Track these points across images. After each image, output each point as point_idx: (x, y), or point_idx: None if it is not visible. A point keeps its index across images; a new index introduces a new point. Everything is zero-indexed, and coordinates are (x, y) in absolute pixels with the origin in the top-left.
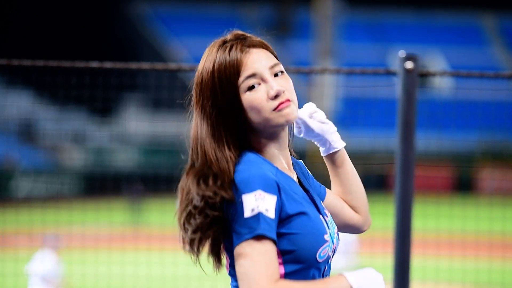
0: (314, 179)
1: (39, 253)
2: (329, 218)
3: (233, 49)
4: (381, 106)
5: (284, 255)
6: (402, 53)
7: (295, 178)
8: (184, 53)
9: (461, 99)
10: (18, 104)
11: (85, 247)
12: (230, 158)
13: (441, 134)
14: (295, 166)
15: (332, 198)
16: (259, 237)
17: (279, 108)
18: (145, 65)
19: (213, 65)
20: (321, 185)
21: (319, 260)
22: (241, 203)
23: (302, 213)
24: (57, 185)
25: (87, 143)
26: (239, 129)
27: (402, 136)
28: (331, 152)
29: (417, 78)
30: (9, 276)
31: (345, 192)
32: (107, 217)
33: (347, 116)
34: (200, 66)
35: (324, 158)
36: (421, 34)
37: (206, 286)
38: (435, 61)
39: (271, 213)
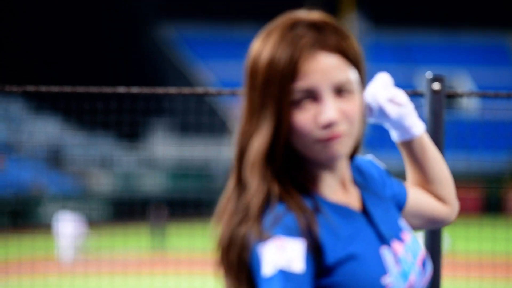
0: (388, 178)
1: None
2: (406, 243)
3: (298, 43)
4: None
5: None
6: (429, 74)
7: (354, 199)
8: (211, 77)
9: (489, 119)
10: (46, 130)
11: (114, 272)
12: None
13: (469, 155)
14: (356, 177)
15: (414, 196)
16: None
17: (326, 142)
18: (172, 90)
19: (268, 55)
20: (400, 183)
21: None
22: None
23: (350, 257)
24: (85, 211)
25: (114, 168)
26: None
27: None
28: (408, 139)
29: (445, 99)
30: None
31: (428, 181)
32: (135, 242)
33: (374, 138)
34: (255, 47)
35: (397, 144)
36: (448, 54)
37: None
38: (462, 82)
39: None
